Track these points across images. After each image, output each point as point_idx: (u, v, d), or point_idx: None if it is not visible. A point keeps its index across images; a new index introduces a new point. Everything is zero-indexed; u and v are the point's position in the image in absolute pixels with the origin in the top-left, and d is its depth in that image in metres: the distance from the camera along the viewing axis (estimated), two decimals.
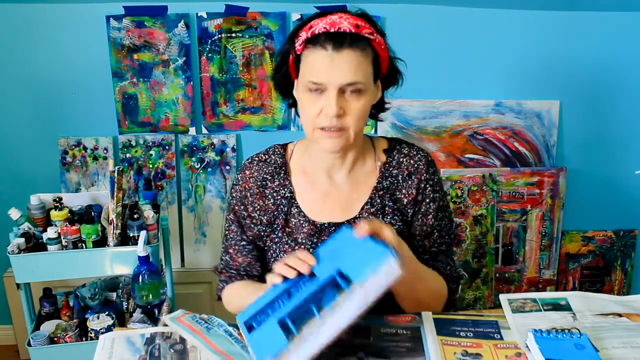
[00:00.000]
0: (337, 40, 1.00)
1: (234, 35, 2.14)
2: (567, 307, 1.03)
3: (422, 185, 1.15)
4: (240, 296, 1.17)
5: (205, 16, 2.11)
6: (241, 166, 1.21)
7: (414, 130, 2.27)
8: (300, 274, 0.93)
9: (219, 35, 2.13)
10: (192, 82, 2.17)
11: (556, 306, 1.03)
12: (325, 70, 1.00)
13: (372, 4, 2.12)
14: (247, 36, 2.14)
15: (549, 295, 1.07)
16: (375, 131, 2.25)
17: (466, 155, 2.31)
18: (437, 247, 1.17)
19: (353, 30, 1.00)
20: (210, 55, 2.15)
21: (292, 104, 1.17)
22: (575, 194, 2.37)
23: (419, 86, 2.23)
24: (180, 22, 2.10)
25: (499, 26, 2.19)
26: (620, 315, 1.01)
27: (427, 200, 1.16)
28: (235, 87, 2.19)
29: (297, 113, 1.17)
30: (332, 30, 1.00)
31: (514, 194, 2.31)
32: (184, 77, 2.16)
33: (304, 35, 1.03)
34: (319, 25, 1.02)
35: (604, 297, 1.07)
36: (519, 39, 2.21)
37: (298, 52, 1.05)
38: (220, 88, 2.19)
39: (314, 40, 1.02)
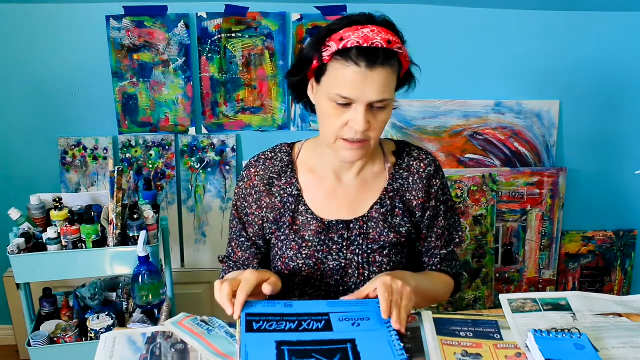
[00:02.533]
0: (371, 57, 0.98)
1: (234, 35, 2.14)
2: (567, 307, 1.03)
3: (434, 191, 1.18)
4: None
5: (205, 16, 2.11)
6: (247, 163, 1.21)
7: (414, 130, 2.27)
8: (317, 313, 0.95)
9: (219, 36, 2.13)
10: (192, 82, 2.17)
11: (556, 306, 1.03)
12: (357, 86, 0.99)
13: (372, 4, 2.12)
14: (247, 36, 2.14)
15: (549, 295, 1.07)
16: None
17: (466, 155, 2.31)
18: (446, 249, 1.22)
19: (385, 46, 0.99)
20: (210, 55, 2.15)
21: (299, 100, 1.16)
22: (575, 194, 2.37)
23: (419, 86, 2.21)
24: (180, 22, 2.10)
25: (499, 26, 2.19)
26: (620, 315, 1.01)
27: (438, 204, 1.19)
28: (235, 87, 2.19)
29: (305, 108, 1.18)
30: (365, 45, 0.99)
31: (514, 194, 2.31)
32: (183, 77, 2.16)
33: (333, 46, 1.01)
34: (351, 39, 0.99)
35: (604, 297, 1.07)
36: (519, 39, 2.21)
37: (325, 62, 1.03)
38: (220, 88, 2.19)
39: (345, 54, 0.99)
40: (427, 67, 2.18)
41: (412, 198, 1.17)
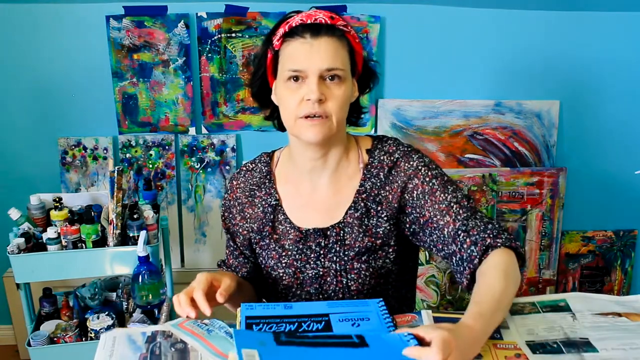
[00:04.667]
0: (314, 28, 1.03)
1: (233, 35, 2.14)
2: (566, 308, 1.03)
3: (411, 171, 1.10)
4: None
5: (205, 16, 2.11)
6: (230, 176, 1.24)
7: (414, 130, 2.27)
8: (316, 314, 0.95)
9: (219, 35, 2.13)
10: (192, 82, 2.17)
11: (555, 308, 1.03)
12: (305, 56, 1.02)
13: (372, 4, 2.12)
14: (247, 36, 2.14)
15: (548, 297, 1.06)
16: (376, 131, 2.26)
17: (466, 155, 2.31)
18: (461, 219, 1.04)
19: (328, 21, 1.04)
20: (210, 55, 2.15)
21: (269, 116, 1.17)
22: (575, 194, 2.37)
23: (419, 86, 2.23)
24: (180, 22, 2.11)
25: (499, 26, 2.19)
26: (619, 315, 1.01)
27: (427, 180, 1.08)
28: (235, 87, 2.19)
29: (273, 124, 1.18)
30: (308, 21, 1.04)
31: (514, 194, 2.31)
32: (183, 77, 2.16)
33: (281, 31, 1.05)
34: (296, 19, 1.05)
35: (604, 297, 1.07)
36: (519, 39, 2.21)
37: (276, 48, 1.06)
38: (220, 88, 2.19)
39: (292, 33, 1.04)
40: (427, 67, 2.22)
41: (387, 193, 1.11)
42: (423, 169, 1.09)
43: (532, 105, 2.27)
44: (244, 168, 1.22)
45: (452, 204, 1.06)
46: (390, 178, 1.11)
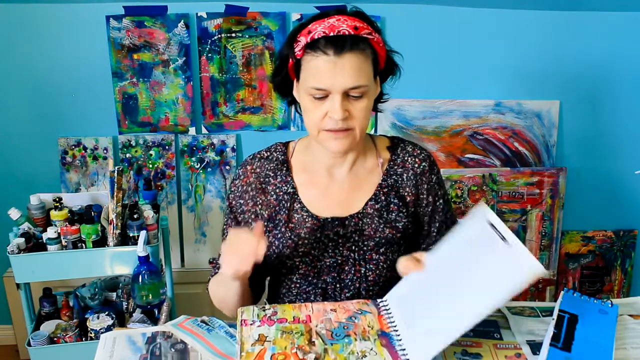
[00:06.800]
0: (338, 44, 1.00)
1: (234, 35, 2.14)
2: None
3: (429, 186, 1.18)
4: (217, 290, 1.20)
5: (205, 16, 2.11)
6: (243, 162, 1.22)
7: (414, 130, 2.27)
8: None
9: (219, 35, 2.13)
10: (192, 82, 2.17)
11: (554, 311, 1.03)
12: (329, 75, 1.01)
13: (372, 4, 2.12)
14: (247, 36, 2.14)
15: (547, 304, 1.06)
16: (375, 130, 2.25)
17: (466, 155, 2.31)
18: (440, 233, 1.22)
19: (352, 33, 1.01)
20: (210, 55, 2.15)
21: (291, 101, 1.18)
22: (575, 194, 2.37)
23: (419, 86, 2.23)
24: (180, 22, 2.11)
25: (499, 26, 2.19)
26: (620, 315, 1.01)
27: (437, 198, 1.19)
28: (235, 87, 2.19)
29: (296, 110, 1.18)
30: (331, 34, 1.00)
31: (514, 194, 2.31)
32: (183, 77, 2.16)
33: (303, 40, 1.03)
34: (318, 30, 1.01)
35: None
36: (519, 39, 2.21)
37: (298, 57, 1.05)
38: (220, 88, 2.19)
39: (314, 45, 1.01)
40: (427, 67, 2.22)
41: (406, 194, 1.17)
42: (437, 186, 1.20)
43: (532, 105, 2.27)
44: (258, 155, 1.21)
45: (443, 226, 1.21)
46: (414, 182, 1.17)
